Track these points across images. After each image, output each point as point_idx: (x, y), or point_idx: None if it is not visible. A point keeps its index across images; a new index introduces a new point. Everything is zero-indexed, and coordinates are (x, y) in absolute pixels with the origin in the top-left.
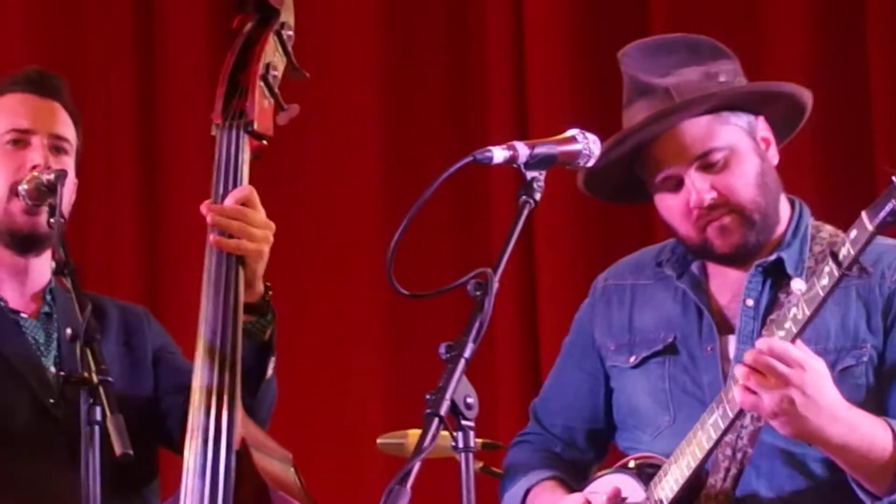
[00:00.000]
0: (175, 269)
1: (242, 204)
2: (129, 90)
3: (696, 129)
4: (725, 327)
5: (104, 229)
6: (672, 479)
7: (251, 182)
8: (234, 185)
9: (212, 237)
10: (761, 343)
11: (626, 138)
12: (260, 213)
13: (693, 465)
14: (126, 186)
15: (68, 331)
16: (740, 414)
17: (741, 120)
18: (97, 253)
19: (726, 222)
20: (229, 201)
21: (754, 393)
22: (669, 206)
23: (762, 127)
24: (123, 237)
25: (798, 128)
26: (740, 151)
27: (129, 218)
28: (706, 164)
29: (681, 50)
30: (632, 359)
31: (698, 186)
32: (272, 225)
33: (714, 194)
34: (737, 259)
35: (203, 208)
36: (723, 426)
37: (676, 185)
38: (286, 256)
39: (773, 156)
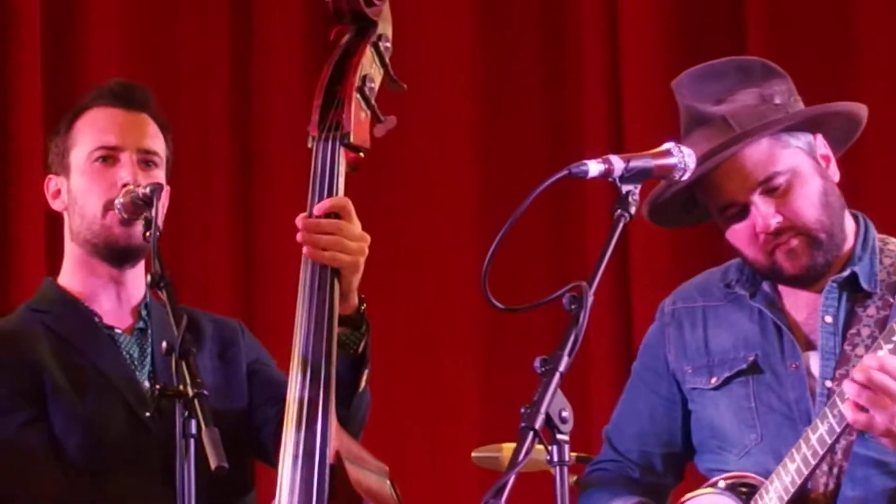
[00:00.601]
0: (270, 281)
1: (337, 215)
2: (226, 102)
3: (758, 154)
4: (805, 344)
5: (200, 242)
6: (776, 497)
7: (347, 194)
8: (330, 196)
9: (306, 249)
10: (870, 360)
11: None
12: (355, 226)
13: (798, 480)
14: (222, 199)
15: (164, 344)
16: (846, 429)
17: (800, 140)
18: (193, 266)
19: (794, 245)
20: (322, 210)
21: (865, 410)
22: (735, 231)
23: (821, 145)
24: (219, 249)
25: (853, 140)
26: (802, 173)
27: (224, 230)
28: (769, 188)
29: (731, 74)
30: (713, 380)
31: (763, 212)
32: (367, 237)
33: (780, 218)
34: (806, 280)
35: (298, 221)
36: (829, 441)
37: (741, 211)
38: (381, 268)
39: (834, 173)
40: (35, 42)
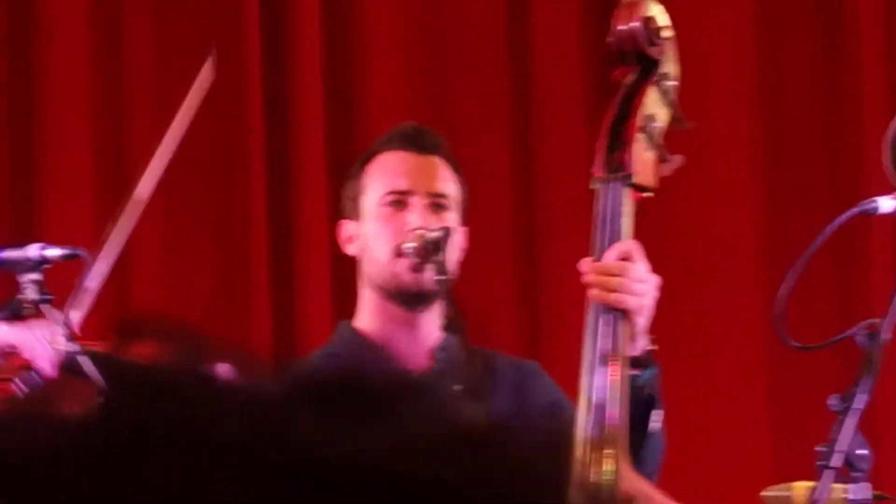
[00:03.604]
0: (554, 323)
1: (623, 258)
2: (507, 146)
3: None
4: None
5: (484, 284)
6: None
7: (636, 235)
8: (615, 239)
9: (592, 292)
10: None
11: None
12: (641, 267)
13: None
14: (505, 242)
15: (457, 387)
16: None
17: None
18: (477, 310)
19: None
20: (610, 256)
21: None
22: None
23: None
24: (501, 293)
25: None
26: None
27: (508, 273)
28: None
29: None
30: None
31: None
32: (655, 278)
33: None
34: None
35: (582, 265)
36: None
37: None
38: (668, 308)
39: None
40: (318, 97)
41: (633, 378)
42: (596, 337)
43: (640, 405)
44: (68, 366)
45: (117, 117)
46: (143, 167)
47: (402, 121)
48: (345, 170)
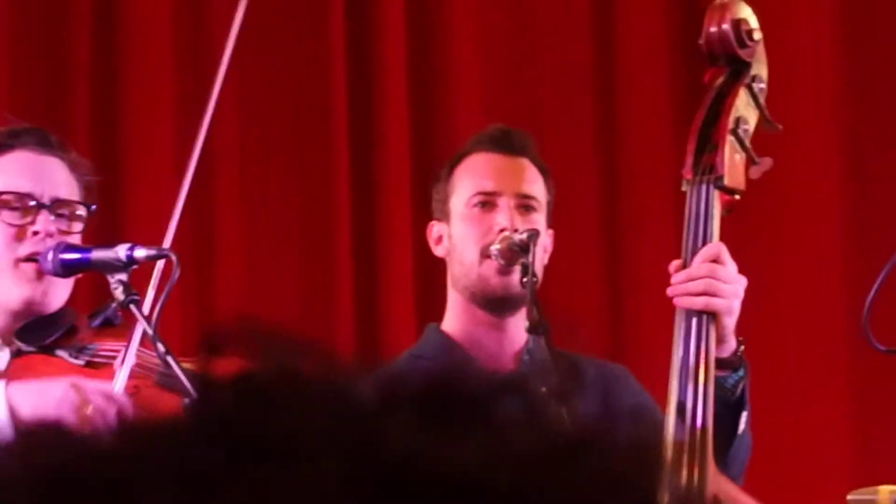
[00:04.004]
0: (640, 326)
1: (712, 260)
2: (592, 148)
3: None
4: None
5: (568, 285)
6: None
7: (722, 237)
8: (704, 241)
9: (680, 296)
10: None
11: None
12: (729, 269)
13: None
14: (590, 244)
15: (543, 390)
16: None
17: None
18: (562, 313)
19: None
20: (698, 260)
21: None
22: None
23: None
24: (587, 294)
25: None
26: None
27: (594, 276)
28: None
29: None
30: None
31: None
32: (743, 280)
33: None
34: None
35: (671, 268)
36: None
37: None
38: (753, 311)
39: None
40: (402, 100)
41: (722, 379)
42: (684, 340)
43: (728, 407)
44: (164, 372)
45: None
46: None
47: (487, 123)
48: (428, 172)
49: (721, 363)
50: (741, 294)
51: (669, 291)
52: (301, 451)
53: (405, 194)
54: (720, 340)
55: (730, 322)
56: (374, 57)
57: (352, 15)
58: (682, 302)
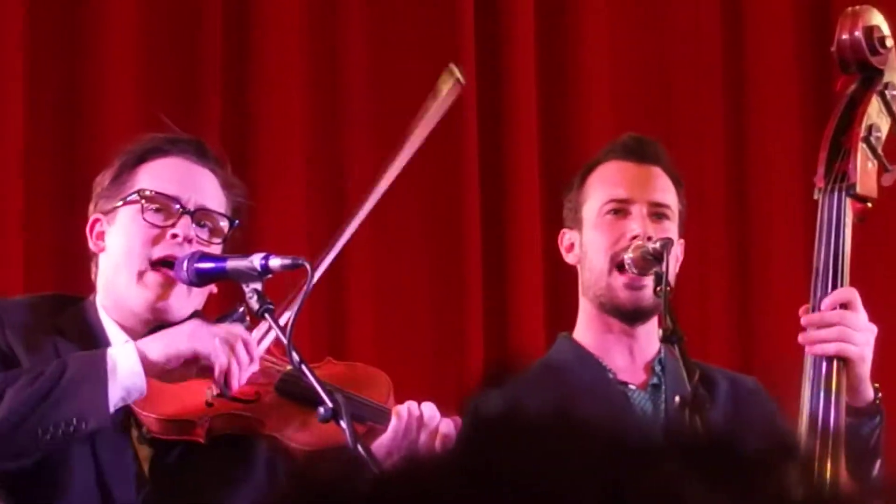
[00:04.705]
0: (769, 337)
1: (843, 305)
2: (722, 157)
3: None
4: None
5: (697, 299)
6: None
7: (854, 244)
8: (837, 249)
9: (811, 343)
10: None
11: None
12: (861, 316)
13: None
14: (720, 251)
15: (676, 399)
16: None
17: None
18: (690, 323)
19: None
20: (828, 304)
21: None
22: None
23: None
24: (717, 304)
25: None
26: None
27: (721, 286)
28: None
29: None
30: None
31: None
32: (873, 328)
33: None
34: None
35: (801, 314)
36: None
37: None
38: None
39: None
40: (532, 109)
41: (856, 427)
42: (813, 386)
43: (863, 455)
44: (286, 379)
45: (331, 127)
46: (361, 179)
47: (616, 132)
48: (558, 180)
49: (857, 411)
50: (872, 343)
51: (801, 339)
52: (576, 489)
53: (535, 203)
54: (853, 389)
55: (863, 370)
56: (504, 65)
57: (481, 20)
58: (814, 349)
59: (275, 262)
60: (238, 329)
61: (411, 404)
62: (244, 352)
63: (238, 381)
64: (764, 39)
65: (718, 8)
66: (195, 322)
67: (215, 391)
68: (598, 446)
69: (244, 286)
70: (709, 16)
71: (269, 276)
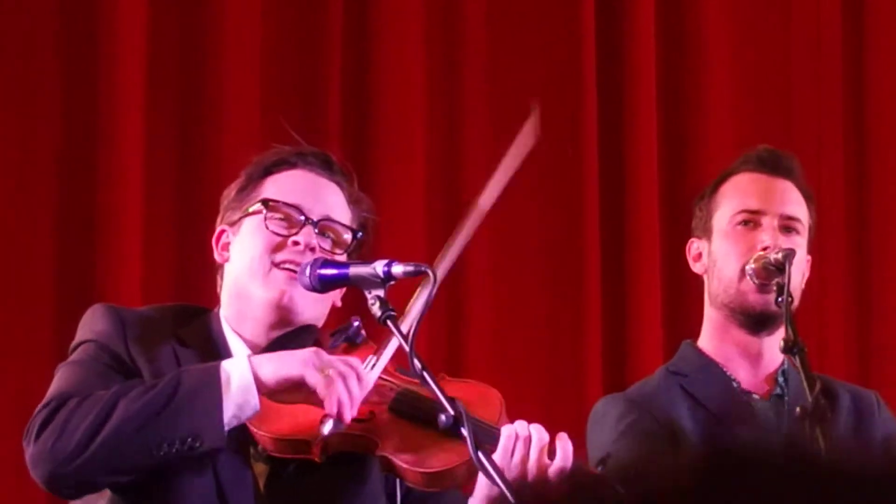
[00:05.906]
0: (889, 353)
1: None
2: (840, 169)
3: None
4: None
5: (815, 305)
6: None
7: None
8: None
9: None
10: None
11: None
12: None
13: None
14: (839, 266)
15: (798, 409)
16: None
17: None
18: (807, 329)
19: None
20: None
21: None
22: None
23: None
24: (835, 321)
25: None
26: None
27: (840, 301)
28: None
29: None
30: None
31: None
32: None
33: None
34: None
35: None
36: None
37: None
38: None
39: None
40: (652, 121)
41: None
42: None
43: None
44: (400, 399)
45: (451, 134)
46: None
47: (735, 142)
48: (677, 192)
49: None
50: None
51: None
52: None
53: (654, 211)
54: None
55: None
56: (624, 70)
57: (602, 24)
58: None
59: (397, 269)
60: (353, 361)
61: (520, 425)
62: (356, 386)
63: (350, 415)
64: (885, 50)
65: (839, 17)
66: (312, 350)
67: (330, 426)
68: (836, 485)
69: (366, 293)
70: (829, 26)
71: (392, 282)
